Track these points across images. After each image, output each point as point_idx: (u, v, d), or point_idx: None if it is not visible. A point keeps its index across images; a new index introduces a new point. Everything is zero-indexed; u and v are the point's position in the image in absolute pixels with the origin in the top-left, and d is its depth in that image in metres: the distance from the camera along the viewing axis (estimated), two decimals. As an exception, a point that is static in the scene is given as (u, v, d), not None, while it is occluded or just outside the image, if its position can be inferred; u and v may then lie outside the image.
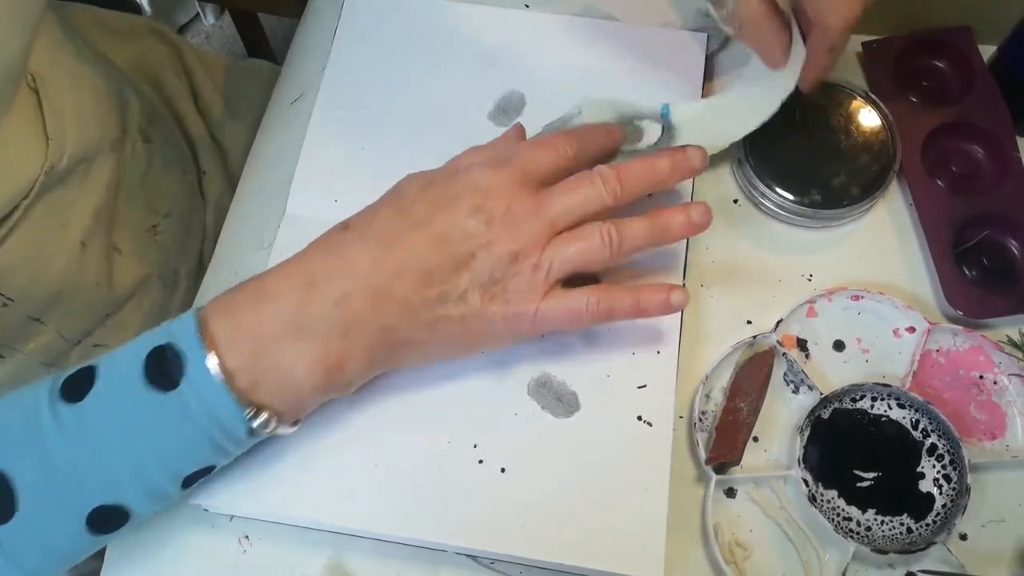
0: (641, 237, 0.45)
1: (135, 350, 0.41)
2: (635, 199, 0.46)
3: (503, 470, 0.46)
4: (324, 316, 0.41)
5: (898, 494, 0.48)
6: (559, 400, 0.48)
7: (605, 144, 0.50)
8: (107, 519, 0.41)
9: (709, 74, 0.59)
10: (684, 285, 0.51)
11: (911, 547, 0.46)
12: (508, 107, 0.57)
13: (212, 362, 0.39)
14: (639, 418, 0.48)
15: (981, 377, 0.51)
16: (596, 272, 0.50)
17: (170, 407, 0.39)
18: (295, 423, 0.44)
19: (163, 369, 0.39)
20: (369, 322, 0.42)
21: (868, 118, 0.55)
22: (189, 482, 0.42)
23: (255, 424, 0.40)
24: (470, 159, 0.47)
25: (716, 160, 0.57)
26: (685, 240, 0.52)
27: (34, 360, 0.58)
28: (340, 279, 0.42)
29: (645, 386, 0.48)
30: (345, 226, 0.44)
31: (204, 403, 0.39)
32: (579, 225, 0.45)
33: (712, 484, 0.48)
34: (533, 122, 0.56)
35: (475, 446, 0.47)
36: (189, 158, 0.71)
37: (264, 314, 0.41)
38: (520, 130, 0.51)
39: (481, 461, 0.47)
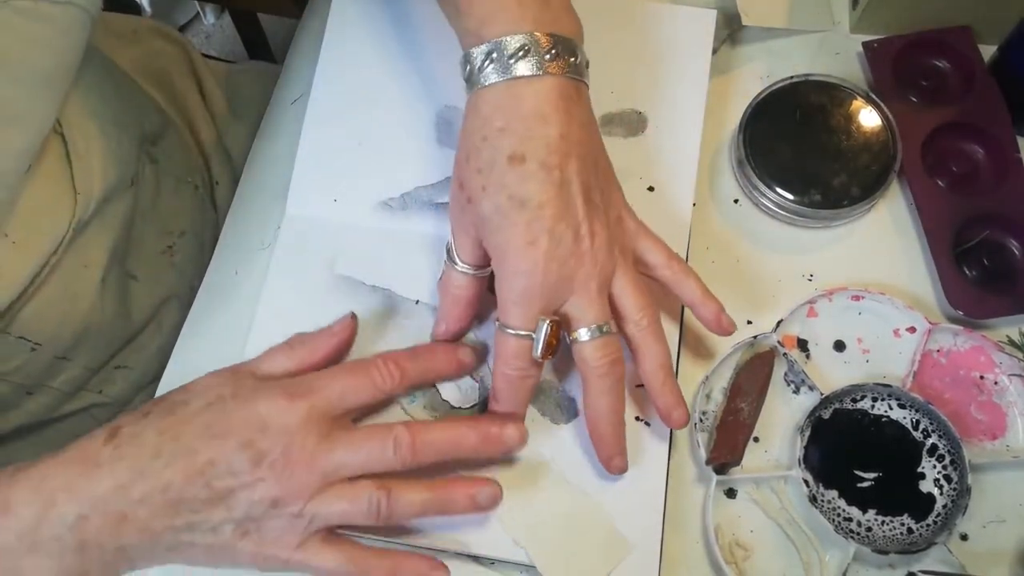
0: (417, 508, 0.43)
1: None
2: (428, 466, 0.44)
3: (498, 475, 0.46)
4: (57, 536, 0.41)
5: (899, 494, 0.48)
6: (558, 407, 0.48)
7: (446, 371, 0.48)
8: None
9: (715, 68, 0.58)
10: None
11: (912, 547, 0.46)
12: None
13: None
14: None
15: (982, 377, 0.51)
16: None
17: None
18: None
19: None
20: (106, 543, 0.42)
21: (868, 118, 0.55)
22: None
23: None
24: (269, 366, 0.45)
25: (716, 160, 0.57)
26: (686, 241, 0.52)
27: (61, 391, 0.58)
28: (78, 503, 0.41)
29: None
30: (111, 433, 0.43)
31: None
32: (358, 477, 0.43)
33: (712, 484, 0.48)
34: None
35: None
36: (201, 167, 0.70)
37: (3, 526, 0.41)
38: (348, 331, 0.48)
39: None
